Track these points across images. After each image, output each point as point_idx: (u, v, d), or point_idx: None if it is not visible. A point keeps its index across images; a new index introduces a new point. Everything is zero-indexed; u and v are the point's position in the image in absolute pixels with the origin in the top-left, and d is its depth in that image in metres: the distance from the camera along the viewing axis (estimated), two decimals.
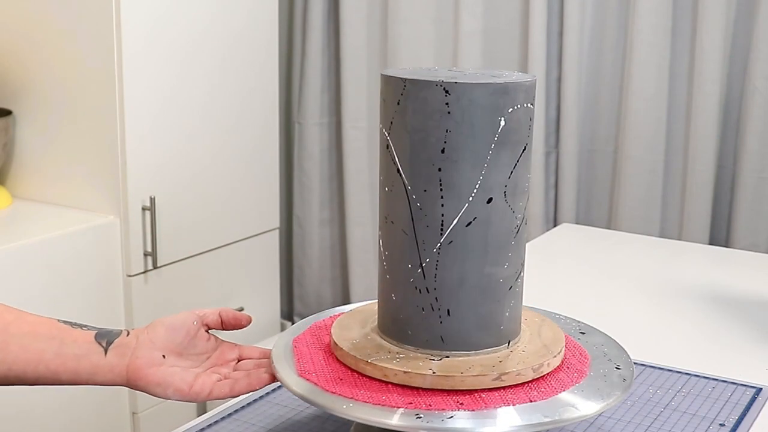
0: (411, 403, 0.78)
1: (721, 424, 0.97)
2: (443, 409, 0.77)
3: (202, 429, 0.96)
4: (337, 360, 0.86)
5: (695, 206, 2.02)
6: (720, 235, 2.07)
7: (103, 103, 1.82)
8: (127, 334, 0.87)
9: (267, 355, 0.90)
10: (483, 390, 0.80)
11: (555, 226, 2.18)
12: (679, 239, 2.05)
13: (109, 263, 1.84)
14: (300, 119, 2.51)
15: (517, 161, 0.82)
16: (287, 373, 0.84)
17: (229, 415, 0.98)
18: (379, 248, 0.87)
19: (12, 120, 1.94)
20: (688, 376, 1.08)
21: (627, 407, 1.00)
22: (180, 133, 1.94)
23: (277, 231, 2.27)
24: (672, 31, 2.02)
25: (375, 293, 0.90)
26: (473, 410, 0.77)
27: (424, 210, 0.82)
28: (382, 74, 0.84)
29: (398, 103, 0.82)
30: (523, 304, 0.90)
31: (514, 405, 0.78)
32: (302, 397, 0.81)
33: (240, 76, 2.08)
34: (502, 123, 0.80)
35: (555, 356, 0.84)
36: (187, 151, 1.97)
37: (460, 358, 0.83)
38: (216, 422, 0.97)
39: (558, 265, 1.59)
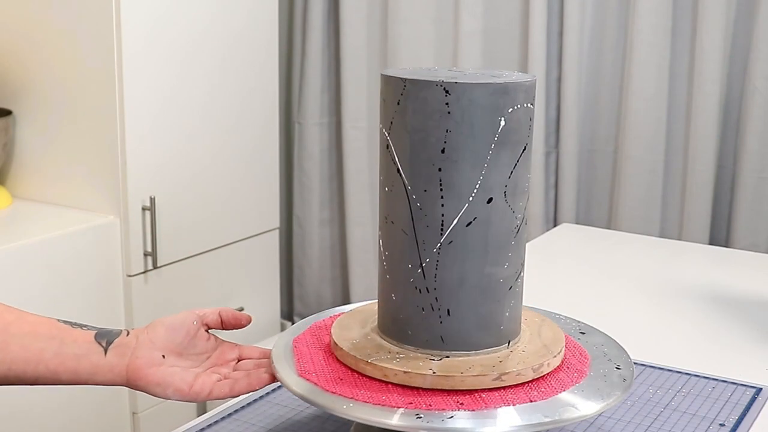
0: (411, 403, 0.78)
1: (721, 424, 0.97)
2: (443, 409, 0.77)
3: (202, 429, 0.96)
4: (337, 360, 0.86)
5: (695, 206, 2.02)
6: (720, 235, 2.07)
7: (103, 103, 1.82)
8: (127, 334, 0.87)
9: (267, 355, 0.90)
10: (483, 390, 0.80)
11: (555, 226, 2.18)
12: (679, 239, 2.05)
13: (109, 263, 1.84)
14: (300, 119, 2.51)
15: (517, 161, 0.82)
16: (287, 373, 0.84)
17: (229, 415, 0.98)
18: (379, 248, 0.87)
19: (12, 120, 1.94)
20: (688, 376, 1.08)
21: (627, 407, 1.00)
22: (180, 133, 1.94)
23: (277, 231, 2.27)
24: (672, 31, 2.02)
25: (375, 293, 0.90)
26: (473, 410, 0.77)
27: (424, 210, 0.82)
28: (382, 74, 0.84)
29: (398, 103, 0.82)
30: (523, 304, 0.90)
31: (514, 405, 0.78)
32: (302, 397, 0.81)
33: (240, 76, 2.08)
34: (502, 123, 0.80)
35: (555, 356, 0.84)
36: (187, 151, 1.97)
37: (460, 358, 0.83)
38: (216, 422, 0.97)
39: (558, 265, 1.59)
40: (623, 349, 0.91)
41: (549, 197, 2.22)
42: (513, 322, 0.87)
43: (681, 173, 2.08)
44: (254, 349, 0.91)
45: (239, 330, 0.93)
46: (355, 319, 0.92)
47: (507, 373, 0.81)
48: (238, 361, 0.90)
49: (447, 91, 0.79)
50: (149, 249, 1.89)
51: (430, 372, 0.80)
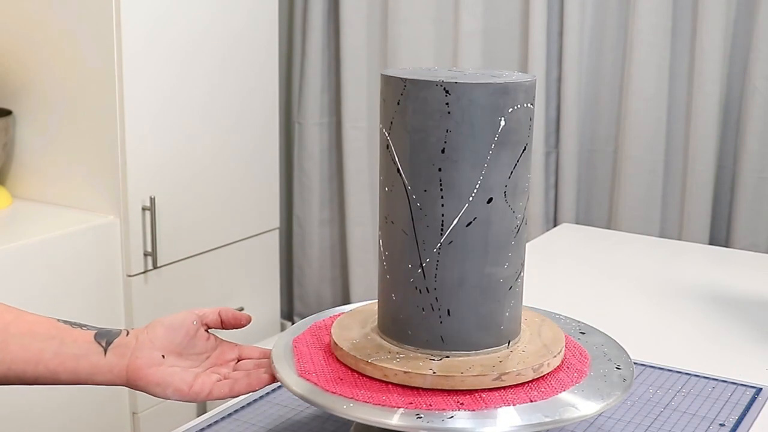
0: (411, 403, 0.78)
1: (721, 424, 0.97)
2: (443, 409, 0.77)
3: (202, 429, 0.96)
4: (337, 360, 0.85)
5: (695, 206, 2.02)
6: (720, 235, 2.07)
7: (103, 103, 1.82)
8: (127, 334, 0.87)
9: (267, 355, 0.90)
10: (483, 390, 0.80)
11: (555, 226, 2.18)
12: (679, 239, 2.05)
13: (109, 263, 1.84)
14: (300, 119, 2.51)
15: (517, 161, 0.82)
16: (287, 373, 0.84)
17: (229, 415, 0.98)
18: (379, 248, 0.87)
19: (12, 120, 1.94)
20: (688, 376, 1.08)
21: (627, 407, 1.00)
22: (180, 133, 1.94)
23: (277, 231, 2.27)
24: (672, 31, 2.02)
25: (375, 293, 0.90)
26: (473, 410, 0.77)
27: (424, 210, 0.82)
28: (382, 74, 0.84)
29: (398, 103, 0.82)
30: (523, 304, 0.90)
31: (514, 405, 0.78)
32: (302, 397, 0.81)
33: (240, 76, 2.08)
34: (502, 123, 0.80)
35: (555, 356, 0.84)
36: (187, 151, 1.97)
37: (460, 358, 0.83)
38: (216, 422, 0.97)
39: (558, 265, 1.59)
40: (623, 349, 0.91)
41: (549, 197, 2.22)
42: (513, 322, 0.87)
43: (681, 173, 2.08)
44: (254, 349, 0.91)
45: (239, 330, 0.93)
46: (355, 319, 0.92)
47: (507, 373, 0.81)
48: (238, 361, 0.90)
49: (447, 91, 0.79)
50: (149, 249, 1.89)
51: (430, 372, 0.80)
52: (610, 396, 0.82)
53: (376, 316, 0.90)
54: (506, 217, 0.83)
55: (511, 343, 0.86)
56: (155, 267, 1.91)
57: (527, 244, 1.00)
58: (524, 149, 0.83)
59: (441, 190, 0.81)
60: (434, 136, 0.80)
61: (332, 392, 0.80)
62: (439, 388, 0.80)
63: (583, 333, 0.95)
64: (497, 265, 0.83)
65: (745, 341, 1.22)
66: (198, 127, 1.99)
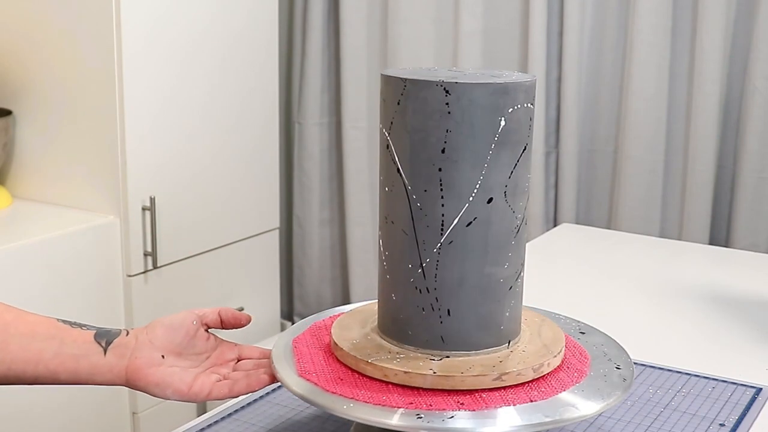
0: (411, 403, 0.78)
1: (721, 424, 0.97)
2: (444, 409, 0.77)
3: (202, 429, 0.96)
4: (338, 360, 0.85)
5: (695, 206, 2.02)
6: (720, 235, 2.07)
7: (103, 103, 1.82)
8: (126, 334, 0.87)
9: (266, 356, 0.90)
10: (483, 390, 0.80)
11: (555, 226, 2.18)
12: (679, 239, 2.05)
13: (109, 263, 1.84)
14: (300, 119, 2.51)
15: (517, 161, 0.82)
16: (287, 374, 0.84)
17: (229, 415, 0.98)
18: (379, 248, 0.87)
19: (12, 120, 1.94)
20: (688, 376, 1.08)
21: (627, 407, 1.00)
22: (180, 133, 1.94)
23: (277, 231, 2.27)
24: (672, 31, 2.02)
25: (375, 293, 0.90)
26: (474, 410, 0.77)
27: (424, 210, 0.82)
28: (382, 74, 0.84)
29: (398, 103, 0.82)
30: (523, 304, 0.90)
31: (514, 405, 0.78)
32: (302, 398, 0.81)
33: (240, 76, 2.08)
34: (502, 123, 0.80)
35: (555, 356, 0.84)
36: (187, 151, 1.97)
37: (460, 358, 0.83)
38: (216, 422, 0.97)
39: (558, 265, 1.59)
40: (623, 349, 0.91)
41: (549, 197, 2.22)
42: (513, 322, 0.87)
43: (681, 173, 2.08)
44: (254, 349, 0.91)
45: (239, 330, 0.93)
46: (355, 319, 0.92)
47: (507, 373, 0.81)
48: (238, 361, 0.90)
49: (447, 91, 0.79)
50: (149, 249, 1.89)
51: (431, 372, 0.80)
52: (610, 396, 0.82)
53: (376, 316, 0.90)
54: (506, 217, 0.83)
55: (511, 343, 0.86)
56: (155, 267, 1.91)
57: (527, 244, 1.00)
58: (524, 149, 0.83)
59: (441, 190, 0.81)
60: (434, 136, 0.80)
61: (332, 392, 0.80)
62: (440, 388, 0.80)
63: (583, 333, 0.95)
64: (497, 265, 0.83)
65: (745, 341, 1.22)
66: (198, 127, 1.99)
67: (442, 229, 0.81)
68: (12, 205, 1.92)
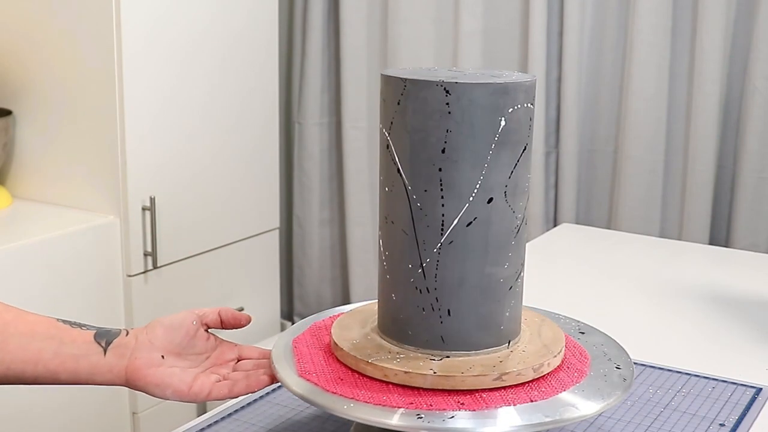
0: (412, 403, 0.78)
1: (721, 424, 0.97)
2: (444, 409, 0.77)
3: (202, 429, 0.96)
4: (338, 360, 0.85)
5: (695, 206, 2.02)
6: (720, 235, 2.07)
7: (103, 103, 1.82)
8: (126, 334, 0.87)
9: (266, 356, 0.90)
10: (484, 390, 0.80)
11: (555, 226, 2.18)
12: (679, 239, 2.05)
13: (109, 263, 1.84)
14: (300, 119, 2.51)
15: (518, 161, 0.82)
16: (287, 374, 0.84)
17: (229, 415, 0.98)
18: (379, 248, 0.87)
19: (12, 120, 1.94)
20: (688, 376, 1.08)
21: (627, 407, 1.00)
22: (180, 133, 1.94)
23: (277, 231, 2.27)
24: (672, 31, 2.02)
25: (375, 293, 0.90)
26: (474, 410, 0.77)
27: (424, 210, 0.82)
28: (382, 74, 0.84)
29: (398, 103, 0.82)
30: (523, 304, 0.90)
31: (514, 405, 0.78)
32: (303, 398, 0.81)
33: (240, 76, 2.08)
34: (503, 123, 0.80)
35: (555, 356, 0.84)
36: (187, 151, 1.97)
37: (460, 358, 0.83)
38: (216, 422, 0.97)
39: (558, 265, 1.59)
40: (623, 349, 0.91)
41: (549, 197, 2.22)
42: (513, 322, 0.87)
43: (681, 173, 2.08)
44: (253, 349, 0.91)
45: (239, 330, 0.93)
46: (355, 319, 0.92)
47: (507, 373, 0.81)
48: (238, 361, 0.90)
49: (447, 91, 0.79)
50: (149, 249, 1.89)
51: (431, 372, 0.80)
52: (610, 396, 0.82)
53: (376, 316, 0.90)
54: (506, 217, 0.83)
55: (511, 343, 0.86)
56: (155, 267, 1.91)
57: (527, 244, 1.00)
58: (524, 149, 0.83)
59: (441, 190, 0.81)
60: (434, 136, 0.80)
61: (333, 392, 0.80)
62: (440, 388, 0.80)
63: (583, 333, 0.95)
64: (497, 265, 0.83)
65: (745, 341, 1.22)
66: (198, 127, 1.99)
67: (442, 229, 0.81)
68: (12, 205, 1.92)
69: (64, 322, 0.86)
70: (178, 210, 1.96)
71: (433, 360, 0.82)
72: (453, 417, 0.76)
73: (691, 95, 2.02)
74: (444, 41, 2.27)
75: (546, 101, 2.17)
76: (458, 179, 0.80)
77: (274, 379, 0.86)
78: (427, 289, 0.83)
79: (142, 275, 1.89)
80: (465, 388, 0.80)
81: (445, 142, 0.80)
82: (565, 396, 0.81)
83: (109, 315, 1.84)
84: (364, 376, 0.82)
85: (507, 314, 0.85)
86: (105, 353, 0.85)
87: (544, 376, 0.83)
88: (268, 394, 1.02)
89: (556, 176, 2.21)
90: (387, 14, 2.32)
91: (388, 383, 0.81)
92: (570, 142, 2.15)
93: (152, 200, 1.87)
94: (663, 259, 1.64)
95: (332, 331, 0.89)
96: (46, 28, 1.86)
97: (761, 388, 1.06)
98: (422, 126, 0.80)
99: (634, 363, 0.95)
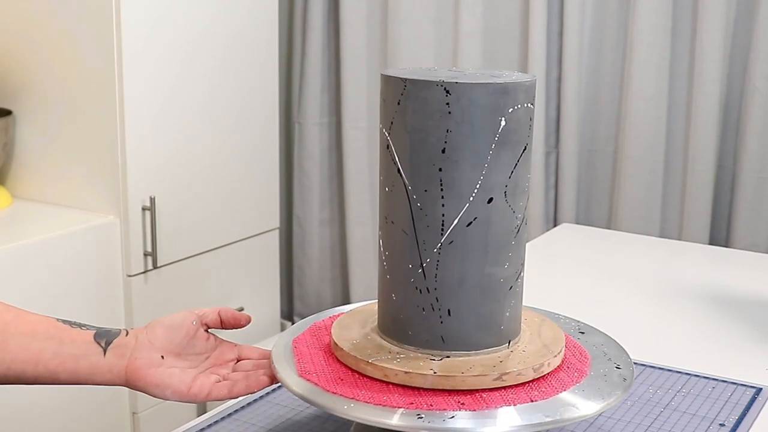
0: (412, 403, 0.78)
1: (721, 424, 0.97)
2: (444, 409, 0.77)
3: (202, 429, 0.96)
4: (338, 360, 0.85)
5: (695, 206, 2.02)
6: (720, 235, 2.07)
7: (103, 103, 1.82)
8: (126, 334, 0.87)
9: (266, 356, 0.90)
10: (484, 390, 0.80)
11: (555, 226, 2.18)
12: (679, 239, 2.05)
13: (109, 263, 1.84)
14: (300, 119, 2.51)
15: (518, 161, 0.82)
16: (287, 374, 0.84)
17: (229, 415, 0.98)
18: (379, 248, 0.87)
19: (12, 120, 1.94)
20: (688, 376, 1.08)
21: (627, 407, 1.00)
22: (180, 133, 1.94)
23: (277, 231, 2.27)
24: (672, 31, 2.02)
25: (375, 293, 0.90)
26: (474, 410, 0.77)
27: (424, 210, 0.82)
28: (382, 74, 0.84)
29: (398, 103, 0.82)
30: (523, 304, 0.90)
31: (515, 405, 0.78)
32: (303, 398, 0.81)
33: (240, 76, 2.08)
34: (503, 123, 0.80)
35: (555, 356, 0.84)
36: (187, 151, 1.97)
37: (460, 358, 0.83)
38: (216, 422, 0.97)
39: (558, 265, 1.59)
40: (623, 349, 0.91)
41: (549, 197, 2.22)
42: (513, 322, 0.87)
43: (681, 173, 2.08)
44: (253, 349, 0.91)
45: (239, 330, 0.93)
46: (355, 319, 0.92)
47: (507, 373, 0.81)
48: (238, 361, 0.90)
49: (447, 91, 0.79)
50: (149, 249, 1.89)
51: (431, 372, 0.80)
52: (610, 396, 0.82)
53: (376, 316, 0.90)
54: (506, 217, 0.83)
55: (511, 342, 0.86)
56: (155, 267, 1.91)
57: (527, 244, 1.00)
58: (524, 149, 0.83)
59: (441, 190, 0.81)
60: (434, 136, 0.80)
61: (333, 392, 0.80)
62: (440, 388, 0.80)
63: (583, 333, 0.95)
64: (497, 265, 0.83)
65: (745, 341, 1.22)
66: (198, 127, 1.99)
67: (442, 229, 0.81)
68: (12, 205, 1.92)
69: (64, 322, 0.86)
70: (178, 210, 1.96)
71: (434, 360, 0.82)
72: (453, 417, 0.76)
73: (691, 95, 2.02)
74: (444, 41, 2.27)
75: (546, 101, 2.17)
76: (458, 179, 0.80)
77: (273, 379, 0.86)
78: (427, 289, 0.83)
79: (142, 275, 1.89)
80: (465, 388, 0.80)
81: (445, 142, 0.80)
82: (565, 396, 0.81)
83: (109, 315, 1.84)
84: (364, 376, 0.82)
85: (507, 314, 0.85)
86: (105, 353, 0.85)
87: (544, 376, 0.83)
88: (268, 394, 1.02)
89: (556, 176, 2.21)
90: (387, 14, 2.32)
91: (388, 383, 0.81)
92: (570, 142, 2.15)
93: (152, 200, 1.87)
94: (663, 259, 1.64)
95: (332, 331, 0.89)
96: (46, 28, 1.86)
97: (761, 388, 1.06)
98: (422, 126, 0.80)
99: (634, 363, 0.95)
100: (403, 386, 0.80)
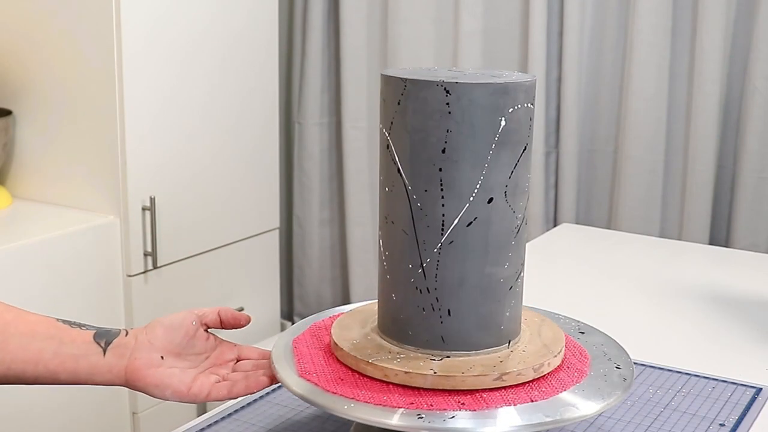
0: (412, 403, 0.78)
1: (721, 424, 0.97)
2: (445, 409, 0.77)
3: (202, 429, 0.96)
4: (338, 360, 0.85)
5: (695, 206, 2.02)
6: (720, 235, 2.07)
7: (103, 103, 1.82)
8: (126, 334, 0.87)
9: (266, 356, 0.90)
10: (484, 390, 0.80)
11: (555, 226, 2.18)
12: (679, 239, 2.05)
13: (109, 263, 1.84)
14: (300, 119, 2.51)
15: (518, 161, 0.82)
16: (288, 374, 0.84)
17: (229, 415, 0.98)
18: (379, 248, 0.87)
19: (12, 120, 1.94)
20: (688, 376, 1.08)
21: (627, 407, 1.00)
22: (180, 133, 1.94)
23: (277, 231, 2.27)
24: (672, 31, 2.02)
25: (375, 293, 0.90)
26: (474, 410, 0.77)
27: (424, 210, 0.82)
28: (382, 74, 0.84)
29: (398, 103, 0.82)
30: (523, 304, 0.90)
31: (515, 405, 0.78)
32: (303, 398, 0.81)
33: (240, 76, 2.08)
34: (503, 123, 0.80)
35: (555, 356, 0.84)
36: (187, 151, 1.97)
37: (460, 358, 0.83)
38: (216, 422, 0.97)
39: (558, 265, 1.59)
40: (623, 349, 0.91)
41: (549, 197, 2.22)
42: (513, 322, 0.87)
43: (681, 173, 2.08)
44: (253, 349, 0.91)
45: (239, 330, 0.93)
46: (355, 319, 0.92)
47: (508, 373, 0.81)
48: (237, 361, 0.90)
49: (447, 91, 0.79)
50: (149, 249, 1.89)
51: (431, 372, 0.80)
52: (610, 396, 0.82)
53: (376, 316, 0.90)
54: (506, 217, 0.83)
55: (511, 342, 0.86)
56: (155, 267, 1.91)
57: (527, 244, 1.00)
58: (524, 149, 0.83)
59: (441, 190, 0.81)
60: (434, 136, 0.80)
61: (333, 392, 0.80)
62: (440, 388, 0.80)
63: (583, 333, 0.95)
64: (497, 265, 0.83)
65: (745, 341, 1.22)
66: (198, 127, 1.99)
67: (442, 229, 0.81)
68: (12, 205, 1.92)
69: (64, 322, 0.86)
70: (178, 210, 1.96)
71: (434, 360, 0.82)
72: (453, 417, 0.76)
73: (691, 95, 2.02)
74: (444, 41, 2.27)
75: (546, 101, 2.17)
76: (458, 179, 0.80)
77: (273, 380, 0.86)
78: (427, 289, 0.83)
79: (142, 275, 1.89)
80: (465, 388, 0.80)
81: (446, 142, 0.80)
82: (566, 396, 0.81)
83: (109, 315, 1.84)
84: (364, 376, 0.82)
85: (507, 314, 0.85)
86: (104, 353, 0.85)
87: (544, 376, 0.83)
88: (268, 394, 1.02)
89: (556, 176, 2.21)
90: (387, 14, 2.32)
91: (388, 383, 0.81)
92: (570, 142, 2.15)
93: (152, 200, 1.87)
94: (663, 259, 1.64)
95: (332, 331, 0.89)
96: (46, 28, 1.86)
97: (761, 388, 1.06)
98: (422, 126, 0.80)
99: (634, 363, 0.95)
100: (403, 386, 0.80)
